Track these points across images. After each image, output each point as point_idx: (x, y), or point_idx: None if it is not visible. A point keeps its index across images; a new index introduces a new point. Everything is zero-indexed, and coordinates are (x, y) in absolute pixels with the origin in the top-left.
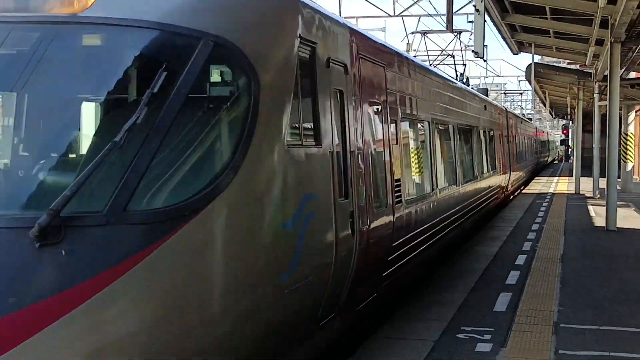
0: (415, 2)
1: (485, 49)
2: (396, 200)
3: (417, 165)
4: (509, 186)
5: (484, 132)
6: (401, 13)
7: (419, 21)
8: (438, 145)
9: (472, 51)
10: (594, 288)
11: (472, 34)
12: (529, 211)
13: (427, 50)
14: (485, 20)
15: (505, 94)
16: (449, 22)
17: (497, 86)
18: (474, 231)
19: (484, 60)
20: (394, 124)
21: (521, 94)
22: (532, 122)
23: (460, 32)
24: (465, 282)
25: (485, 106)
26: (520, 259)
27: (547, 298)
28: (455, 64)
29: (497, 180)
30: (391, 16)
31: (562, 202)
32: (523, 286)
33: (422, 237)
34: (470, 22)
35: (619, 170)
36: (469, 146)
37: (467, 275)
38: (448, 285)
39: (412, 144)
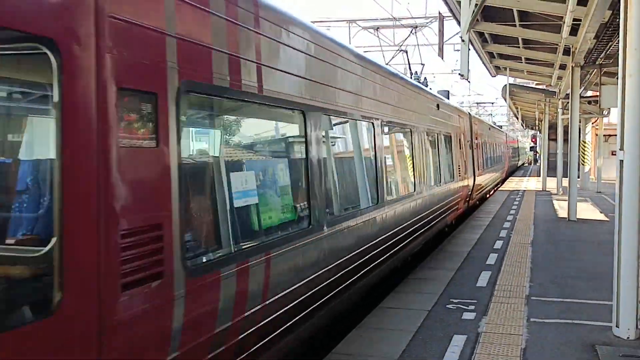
0: (409, 35)
1: (468, 72)
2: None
3: (273, 183)
4: (474, 193)
5: (436, 135)
6: (400, 44)
7: (414, 50)
8: (328, 149)
9: (459, 74)
10: (559, 267)
11: (458, 60)
12: (504, 205)
13: (380, 46)
14: (469, 49)
15: (478, 104)
16: (440, 50)
17: (478, 103)
18: (420, 258)
19: (468, 82)
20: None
21: (492, 103)
22: (502, 129)
23: (416, 27)
24: (453, 262)
25: (437, 105)
26: (498, 244)
27: (520, 276)
28: (409, 62)
29: (455, 188)
30: (391, 46)
31: (532, 198)
32: (500, 266)
33: (289, 315)
34: (456, 50)
35: (579, 171)
36: (406, 150)
37: (455, 257)
38: (438, 265)
39: (266, 146)
